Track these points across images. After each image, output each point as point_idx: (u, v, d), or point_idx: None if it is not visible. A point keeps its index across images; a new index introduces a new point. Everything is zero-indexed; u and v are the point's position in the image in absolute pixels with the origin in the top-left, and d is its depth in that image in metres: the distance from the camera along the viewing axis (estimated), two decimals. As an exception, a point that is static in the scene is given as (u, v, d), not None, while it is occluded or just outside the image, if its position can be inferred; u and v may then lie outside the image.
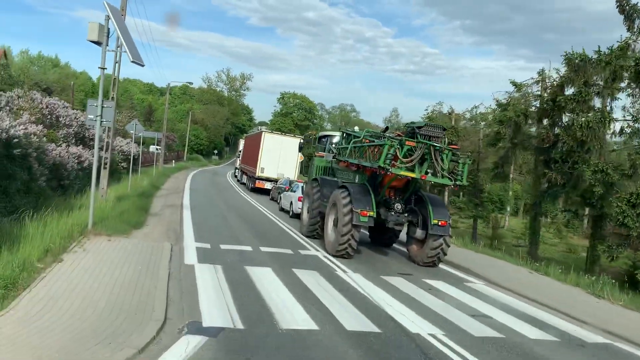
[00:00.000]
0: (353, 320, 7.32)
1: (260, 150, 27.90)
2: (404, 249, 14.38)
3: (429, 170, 11.04)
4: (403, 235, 14.96)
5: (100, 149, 16.21)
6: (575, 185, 16.99)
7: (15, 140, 11.31)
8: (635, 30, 17.13)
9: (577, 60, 17.09)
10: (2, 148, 10.78)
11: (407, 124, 12.08)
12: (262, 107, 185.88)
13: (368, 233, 15.07)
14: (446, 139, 11.14)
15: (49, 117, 20.36)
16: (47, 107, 20.40)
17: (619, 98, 17.80)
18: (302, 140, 20.49)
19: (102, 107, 10.83)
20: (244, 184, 34.26)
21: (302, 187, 18.47)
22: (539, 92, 20.65)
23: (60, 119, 20.83)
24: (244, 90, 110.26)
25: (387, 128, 13.68)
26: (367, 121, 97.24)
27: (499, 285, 11.19)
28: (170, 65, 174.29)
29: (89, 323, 5.90)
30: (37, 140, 13.22)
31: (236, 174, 41.87)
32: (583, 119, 16.08)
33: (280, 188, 23.74)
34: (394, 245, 15.03)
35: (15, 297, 6.39)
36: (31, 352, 4.94)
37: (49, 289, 6.85)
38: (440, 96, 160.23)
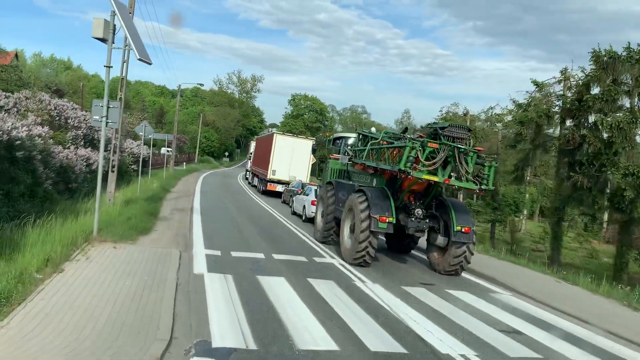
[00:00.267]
0: (376, 339, 6.68)
1: (272, 152, 27.37)
2: (423, 256, 13.72)
3: (452, 174, 10.37)
4: (422, 242, 14.30)
5: (106, 150, 15.76)
6: (603, 189, 16.19)
7: (18, 142, 10.84)
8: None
9: (605, 58, 16.30)
10: (4, 150, 10.32)
11: (428, 124, 11.42)
12: (273, 109, 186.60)
13: (384, 239, 14.40)
14: (471, 140, 10.46)
15: (57, 118, 20.01)
16: (55, 108, 20.06)
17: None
18: (315, 142, 19.87)
19: (108, 107, 10.34)
20: (255, 186, 33.76)
21: (315, 190, 17.87)
22: (561, 92, 19.84)
23: (69, 121, 20.47)
24: (255, 92, 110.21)
25: (406, 129, 13.04)
26: (377, 122, 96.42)
27: (527, 296, 10.48)
28: (181, 68, 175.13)
29: (87, 344, 5.34)
30: (42, 142, 12.76)
31: (247, 176, 41.42)
32: (610, 118, 15.29)
33: (292, 191, 23.17)
34: (412, 251, 14.35)
35: (8, 313, 5.86)
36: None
37: (46, 304, 6.32)
38: (451, 98, 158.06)
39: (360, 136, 13.75)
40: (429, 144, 10.17)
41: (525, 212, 38.40)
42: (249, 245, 12.31)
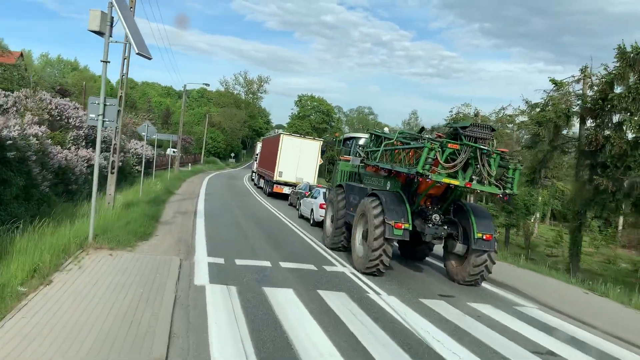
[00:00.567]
0: (397, 363, 5.94)
1: (279, 153, 26.68)
2: (439, 264, 12.96)
3: (474, 177, 9.59)
4: (437, 248, 13.52)
5: (107, 150, 15.11)
6: (630, 192, 15.30)
7: (9, 142, 10.19)
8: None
9: (632, 54, 15.42)
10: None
11: (448, 123, 10.67)
12: (280, 110, 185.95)
13: (397, 245, 13.64)
14: (494, 141, 9.68)
15: (58, 118, 19.43)
16: (56, 107, 19.47)
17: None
18: (324, 143, 19.11)
19: (105, 105, 9.67)
20: (261, 188, 33.08)
21: (324, 192, 17.13)
22: (580, 91, 18.98)
23: (71, 121, 19.89)
24: (261, 93, 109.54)
25: (422, 128, 12.28)
26: (384, 124, 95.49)
27: (555, 309, 9.68)
28: (188, 69, 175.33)
29: (68, 373, 4.65)
30: (38, 142, 12.12)
31: (253, 177, 40.75)
32: (638, 117, 14.41)
33: (299, 193, 22.45)
34: (427, 258, 13.58)
35: (-18, 335, 5.18)
36: None
37: (26, 323, 5.62)
38: (458, 99, 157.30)
39: (373, 136, 13.01)
40: (449, 145, 9.40)
41: (538, 215, 37.40)
42: (254, 252, 11.59)
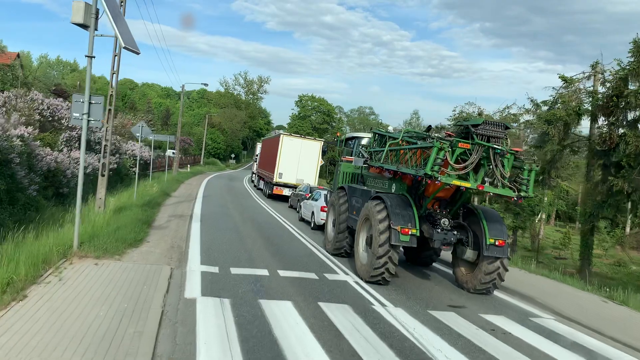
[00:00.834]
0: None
1: (279, 154, 26.03)
2: (447, 270, 12.30)
3: (486, 179, 8.93)
4: (444, 253, 12.86)
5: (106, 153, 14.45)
6: (646, 194, 14.61)
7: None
8: None
9: (648, 49, 14.74)
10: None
11: (458, 121, 9.99)
12: (280, 111, 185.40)
13: (402, 250, 12.96)
14: (508, 140, 9.01)
15: (50, 119, 18.82)
16: (48, 108, 18.87)
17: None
18: (325, 143, 18.44)
19: (90, 103, 9.04)
20: (260, 189, 32.43)
21: (325, 195, 16.46)
22: (591, 88, 18.28)
23: (63, 121, 19.29)
24: (262, 93, 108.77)
25: (430, 127, 11.62)
26: (386, 124, 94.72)
27: (573, 320, 9.00)
28: (188, 70, 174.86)
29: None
30: (22, 144, 11.48)
31: (253, 179, 40.11)
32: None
33: (299, 195, 21.80)
34: (434, 264, 12.92)
35: None
36: None
37: (-11, 348, 4.98)
38: (459, 99, 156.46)
39: (377, 136, 12.34)
40: (459, 144, 8.73)
41: (544, 216, 36.66)
42: (251, 259, 10.93)
